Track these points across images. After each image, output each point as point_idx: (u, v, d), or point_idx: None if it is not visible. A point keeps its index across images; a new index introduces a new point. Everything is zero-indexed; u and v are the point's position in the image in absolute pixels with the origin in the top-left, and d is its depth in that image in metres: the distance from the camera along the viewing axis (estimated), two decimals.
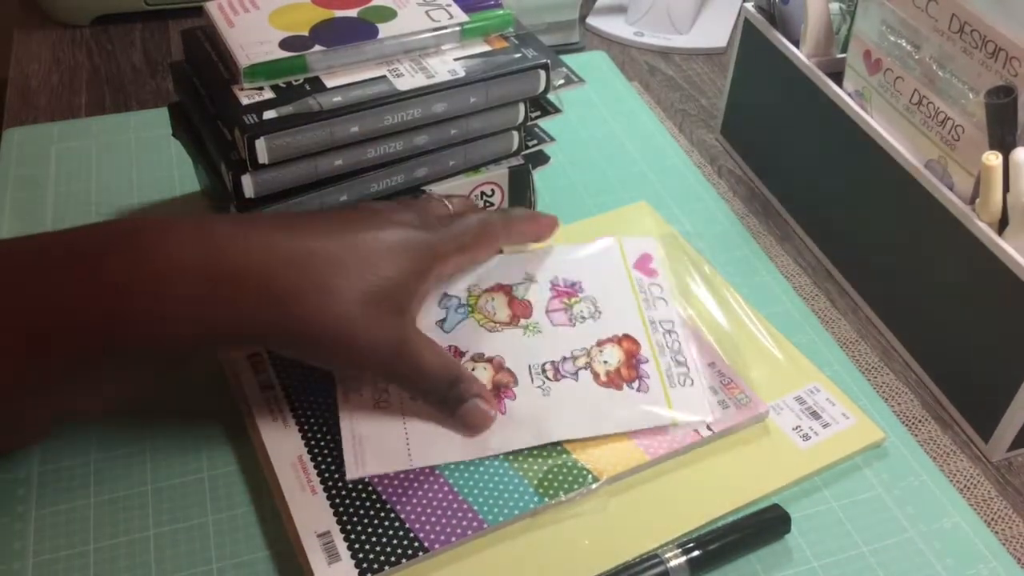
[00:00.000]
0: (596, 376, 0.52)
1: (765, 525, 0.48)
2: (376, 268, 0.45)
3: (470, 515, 0.46)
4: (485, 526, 0.46)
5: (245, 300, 0.42)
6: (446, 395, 0.48)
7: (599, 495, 0.48)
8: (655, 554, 0.45)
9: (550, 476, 0.48)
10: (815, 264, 0.66)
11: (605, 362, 0.52)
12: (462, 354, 0.53)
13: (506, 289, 0.56)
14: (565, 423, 0.50)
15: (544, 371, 0.52)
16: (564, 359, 0.53)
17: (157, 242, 0.41)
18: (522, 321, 0.54)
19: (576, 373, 0.52)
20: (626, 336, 0.54)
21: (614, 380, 0.52)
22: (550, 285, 0.57)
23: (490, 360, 0.52)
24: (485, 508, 0.47)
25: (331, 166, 0.53)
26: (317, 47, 0.53)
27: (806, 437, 0.52)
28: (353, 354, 0.45)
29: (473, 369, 0.52)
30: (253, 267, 0.42)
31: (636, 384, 0.52)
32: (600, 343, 0.53)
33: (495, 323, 0.54)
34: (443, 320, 0.54)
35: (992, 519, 0.51)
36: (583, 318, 0.55)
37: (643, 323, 0.55)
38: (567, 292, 0.56)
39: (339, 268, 0.44)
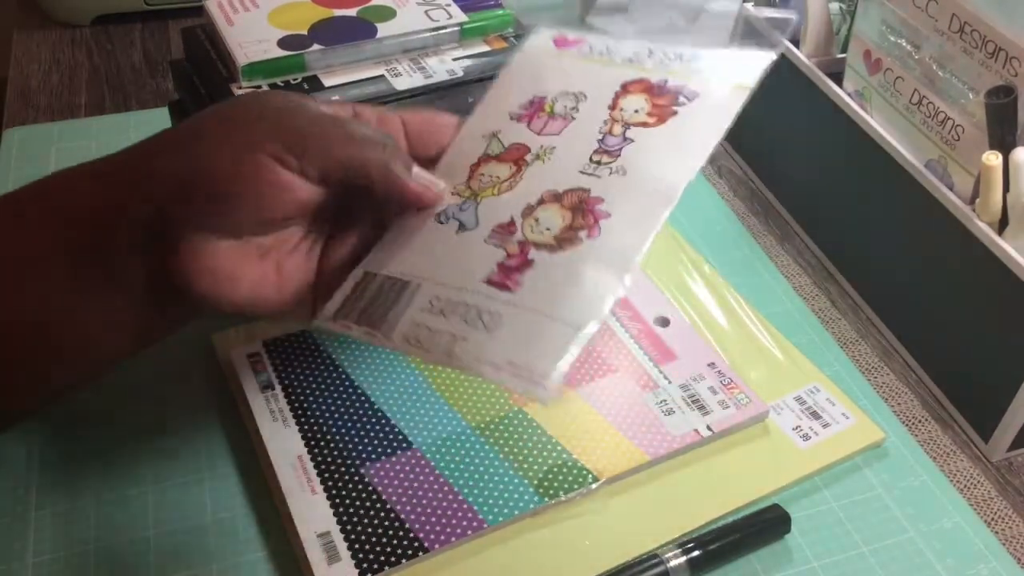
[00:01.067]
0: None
1: (765, 525, 0.48)
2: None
3: (470, 515, 0.46)
4: (485, 526, 0.46)
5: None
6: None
7: (599, 495, 0.48)
8: (655, 554, 0.45)
9: (550, 476, 0.48)
10: (815, 264, 0.66)
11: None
12: (514, 224, 0.42)
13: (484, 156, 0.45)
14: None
15: (595, 162, 0.43)
16: (598, 148, 0.43)
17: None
18: (527, 156, 0.44)
19: (619, 144, 0.43)
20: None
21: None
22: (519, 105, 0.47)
23: (557, 197, 0.42)
24: (485, 508, 0.46)
25: None
26: (316, 46, 0.53)
27: (806, 437, 0.52)
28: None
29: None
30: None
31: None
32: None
33: (504, 182, 0.44)
34: (460, 226, 0.43)
35: (992, 519, 0.51)
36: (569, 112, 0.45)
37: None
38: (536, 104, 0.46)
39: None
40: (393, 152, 0.41)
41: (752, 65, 0.43)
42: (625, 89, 0.45)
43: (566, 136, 0.44)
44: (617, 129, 0.43)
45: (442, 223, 0.43)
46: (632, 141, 0.42)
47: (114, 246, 0.40)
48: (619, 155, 0.42)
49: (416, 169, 0.42)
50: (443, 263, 0.41)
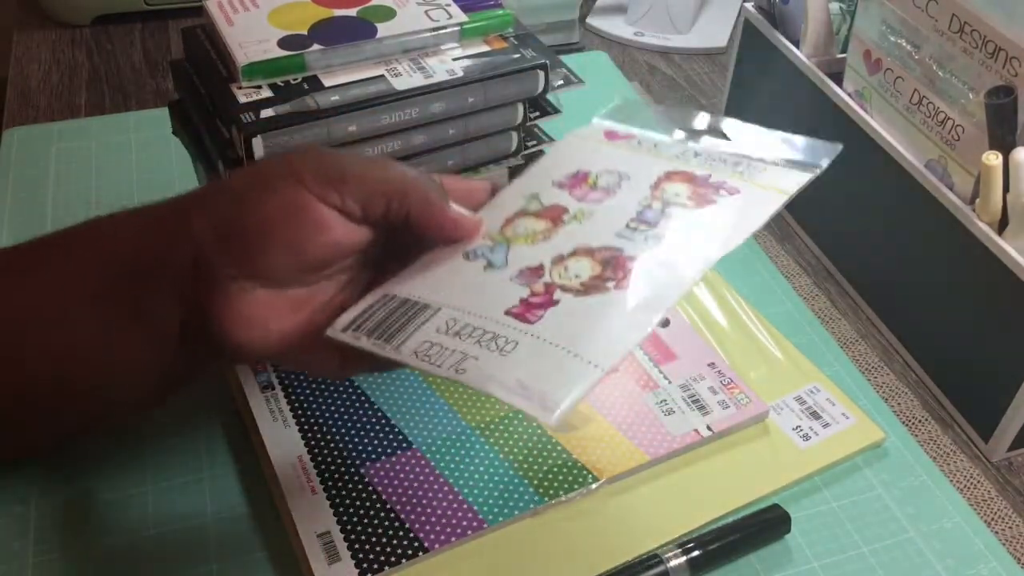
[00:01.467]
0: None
1: (765, 525, 0.48)
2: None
3: (470, 515, 0.46)
4: (485, 526, 0.46)
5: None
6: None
7: (599, 495, 0.48)
8: (655, 554, 0.45)
9: (550, 476, 0.48)
10: (815, 264, 0.66)
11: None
12: (542, 269, 0.42)
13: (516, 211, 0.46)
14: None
15: (633, 227, 0.43)
16: (635, 217, 0.44)
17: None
18: (564, 216, 0.45)
19: (657, 218, 0.44)
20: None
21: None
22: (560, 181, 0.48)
23: (590, 252, 0.43)
24: (485, 508, 0.46)
25: None
26: (316, 46, 0.53)
27: (806, 437, 0.52)
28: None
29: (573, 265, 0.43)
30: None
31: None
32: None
33: (538, 234, 0.44)
34: (488, 264, 0.43)
35: (992, 519, 0.51)
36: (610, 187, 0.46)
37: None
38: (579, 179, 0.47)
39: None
40: (432, 183, 0.42)
41: (793, 177, 0.44)
42: (668, 177, 0.46)
43: (605, 205, 0.45)
44: (656, 205, 0.44)
45: (469, 260, 0.43)
46: (670, 217, 0.43)
47: (150, 292, 0.40)
48: (656, 225, 0.43)
49: (453, 204, 0.43)
50: (465, 293, 0.41)
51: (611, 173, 0.47)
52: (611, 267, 0.41)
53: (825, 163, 0.45)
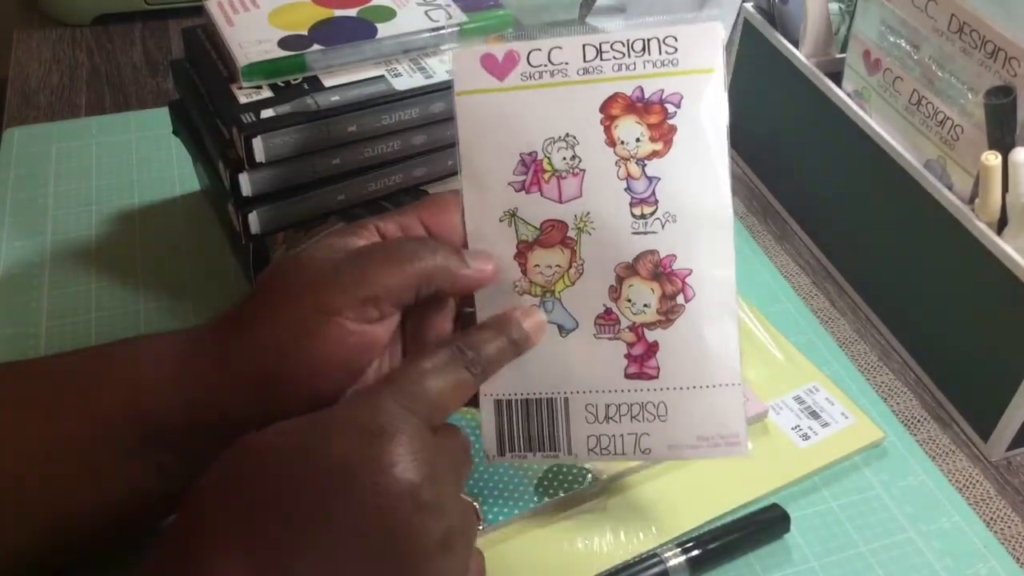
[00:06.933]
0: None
1: (764, 525, 0.48)
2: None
3: None
4: (484, 525, 0.46)
5: None
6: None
7: (599, 495, 0.48)
8: (655, 553, 0.45)
9: (550, 475, 0.48)
10: (814, 264, 0.66)
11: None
12: (612, 313, 0.42)
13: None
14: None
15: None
16: (630, 200, 0.42)
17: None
18: (569, 233, 0.42)
19: (648, 188, 0.42)
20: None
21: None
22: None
23: (633, 270, 0.42)
24: (485, 508, 0.47)
25: (328, 165, 0.53)
26: (316, 46, 0.53)
27: (805, 437, 0.52)
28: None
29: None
30: None
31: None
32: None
33: (569, 269, 0.42)
34: (561, 328, 0.42)
35: (991, 518, 0.51)
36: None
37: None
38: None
39: None
40: (444, 252, 0.41)
41: (706, 44, 0.42)
42: (609, 115, 0.42)
43: (590, 196, 0.42)
44: (635, 170, 0.42)
45: None
46: (658, 179, 0.42)
47: (167, 442, 0.39)
48: (656, 201, 0.42)
49: (465, 252, 0.42)
50: (574, 371, 0.42)
51: (555, 144, 0.42)
52: (666, 281, 0.41)
53: (719, 18, 0.42)
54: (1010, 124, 0.50)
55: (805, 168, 0.67)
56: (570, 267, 0.42)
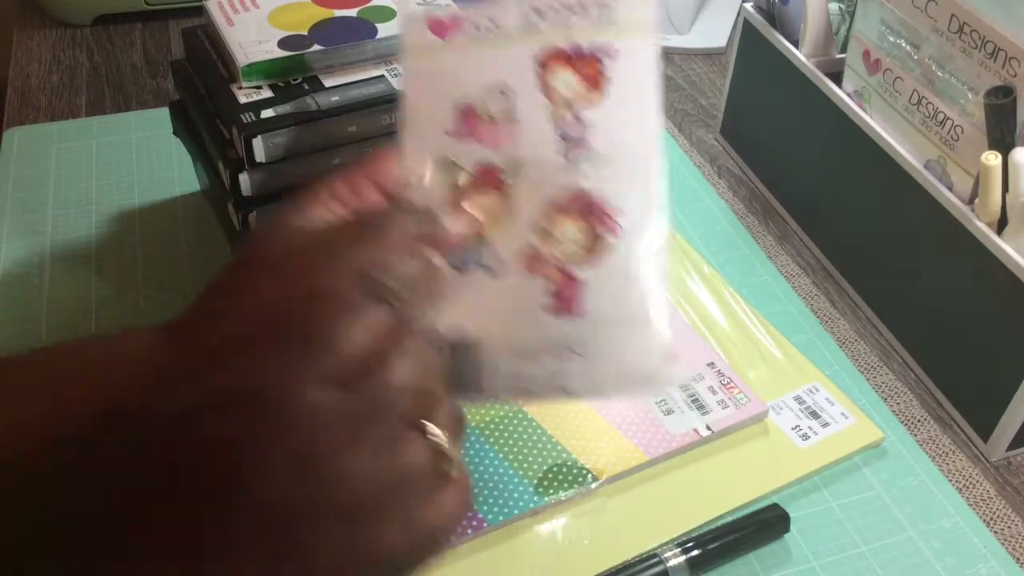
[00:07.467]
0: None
1: (764, 525, 0.48)
2: None
3: (470, 515, 0.46)
4: (485, 526, 0.46)
5: None
6: None
7: (599, 495, 0.48)
8: (655, 553, 0.45)
9: (550, 476, 0.48)
10: (814, 264, 0.66)
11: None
12: (537, 251, 0.41)
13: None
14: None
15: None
16: (562, 142, 0.42)
17: None
18: (500, 176, 0.43)
19: (580, 132, 0.42)
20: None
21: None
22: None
23: (562, 209, 0.42)
24: (485, 508, 0.47)
25: (328, 165, 0.53)
26: (316, 46, 0.53)
27: (805, 437, 0.52)
28: None
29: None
30: None
31: None
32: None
33: (499, 212, 0.42)
34: (489, 271, 0.42)
35: (991, 518, 0.51)
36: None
37: None
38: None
39: None
40: (429, 220, 0.40)
41: (641, 1, 0.43)
42: (544, 66, 0.43)
43: (524, 141, 0.43)
44: (568, 117, 0.43)
45: (466, 274, 0.42)
46: (591, 126, 0.42)
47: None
48: (589, 147, 0.42)
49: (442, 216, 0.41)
50: (498, 313, 0.41)
51: (492, 93, 0.44)
52: (595, 220, 0.41)
53: None
54: (1010, 124, 0.50)
55: (805, 168, 0.67)
56: (502, 210, 0.43)
